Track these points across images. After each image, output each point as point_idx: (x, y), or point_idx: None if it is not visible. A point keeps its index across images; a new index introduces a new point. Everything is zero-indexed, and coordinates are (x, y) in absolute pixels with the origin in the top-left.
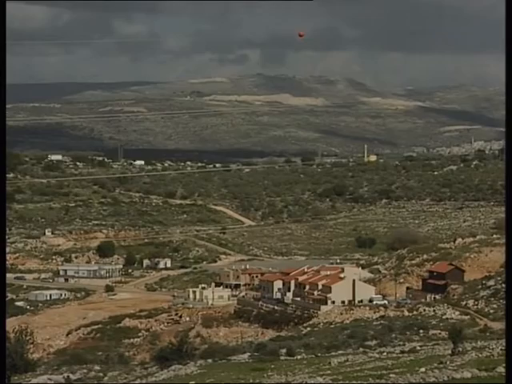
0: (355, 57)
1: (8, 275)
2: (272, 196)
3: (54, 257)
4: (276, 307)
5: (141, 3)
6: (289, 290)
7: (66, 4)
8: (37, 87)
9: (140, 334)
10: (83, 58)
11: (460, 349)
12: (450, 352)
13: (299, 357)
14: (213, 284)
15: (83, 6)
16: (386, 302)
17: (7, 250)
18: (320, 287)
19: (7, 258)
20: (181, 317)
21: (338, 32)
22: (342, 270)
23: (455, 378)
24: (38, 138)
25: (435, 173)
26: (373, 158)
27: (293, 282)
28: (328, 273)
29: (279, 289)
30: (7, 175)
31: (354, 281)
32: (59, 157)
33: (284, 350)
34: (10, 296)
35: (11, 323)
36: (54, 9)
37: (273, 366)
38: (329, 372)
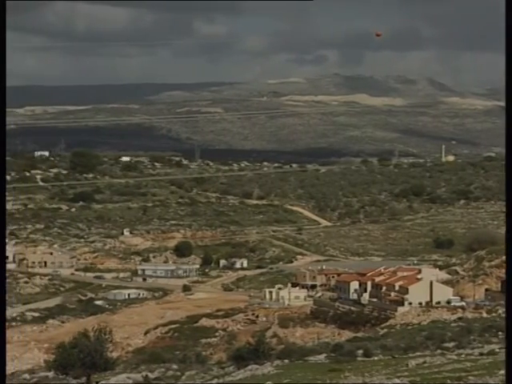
0: (434, 56)
1: (87, 274)
2: (348, 196)
3: (132, 256)
4: (352, 308)
5: (221, 4)
6: (365, 291)
7: (147, 5)
8: (116, 88)
9: (217, 334)
10: (163, 58)
11: None
12: None
13: (376, 358)
14: (289, 284)
15: (164, 8)
16: (464, 303)
17: (86, 249)
18: (397, 288)
19: (86, 257)
20: (257, 317)
21: (417, 31)
22: (420, 271)
23: None
24: (117, 139)
25: None
26: (451, 158)
27: (369, 283)
28: (405, 274)
29: (356, 289)
30: (86, 175)
31: (431, 282)
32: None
33: (361, 351)
34: (89, 295)
35: (90, 322)
36: (136, 10)
37: (349, 367)
38: (406, 374)
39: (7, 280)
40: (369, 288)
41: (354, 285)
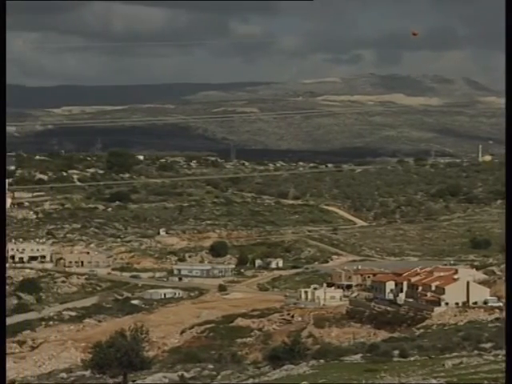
0: (471, 56)
1: (124, 274)
2: (384, 196)
3: (168, 256)
4: (388, 308)
5: (257, 4)
6: (401, 291)
7: (184, 5)
8: (153, 88)
9: (252, 334)
10: (199, 58)
11: None
12: None
13: (412, 358)
14: (324, 284)
15: (200, 8)
16: (501, 303)
17: (123, 249)
18: (433, 288)
19: (123, 257)
20: (293, 317)
21: (453, 31)
22: (456, 272)
23: None
24: (152, 139)
25: None
26: (488, 158)
27: (405, 283)
28: (442, 274)
29: (392, 290)
30: (123, 175)
31: (468, 282)
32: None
33: (397, 352)
34: (125, 294)
35: (127, 321)
36: (173, 10)
37: (385, 367)
38: (443, 374)
39: (45, 279)
40: (405, 288)
41: (390, 285)
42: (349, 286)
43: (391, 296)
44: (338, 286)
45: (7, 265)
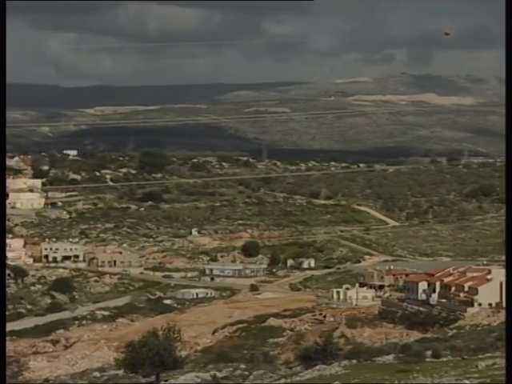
0: (503, 55)
1: (156, 273)
2: (417, 196)
3: (200, 256)
4: (421, 308)
5: (290, 4)
6: (434, 292)
7: (217, 6)
8: (185, 88)
9: (284, 334)
10: (231, 59)
11: None
12: None
13: (445, 359)
14: (357, 284)
15: (233, 8)
16: None
17: (155, 248)
18: (466, 289)
19: (155, 256)
20: (325, 317)
21: (486, 30)
22: (489, 272)
23: None
24: (185, 139)
25: None
26: None
27: (438, 284)
28: (475, 274)
29: (424, 290)
30: (155, 175)
31: (501, 283)
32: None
33: (429, 352)
34: (158, 294)
35: (159, 321)
36: (206, 11)
37: (418, 368)
38: (476, 375)
39: (78, 279)
40: (438, 288)
41: (423, 285)
42: (381, 286)
43: (424, 296)
44: (371, 286)
45: (40, 264)
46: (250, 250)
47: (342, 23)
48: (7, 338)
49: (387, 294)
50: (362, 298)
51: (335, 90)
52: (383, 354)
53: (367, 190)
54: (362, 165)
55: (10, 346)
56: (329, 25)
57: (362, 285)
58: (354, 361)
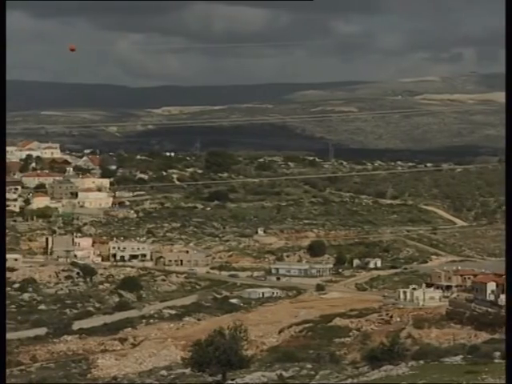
0: None
1: (222, 273)
2: (485, 196)
3: (266, 255)
4: (489, 309)
5: (358, 3)
6: (503, 292)
7: (284, 5)
8: (251, 88)
9: (351, 334)
10: (298, 58)
11: None
12: None
13: None
14: (424, 285)
15: (301, 8)
16: None
17: (221, 248)
18: None
19: (221, 256)
20: (391, 317)
21: None
22: None
23: None
24: (251, 138)
25: None
26: None
27: None
28: None
29: (493, 291)
30: (221, 175)
31: None
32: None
33: (498, 353)
34: (224, 293)
35: (225, 320)
36: (273, 11)
37: (487, 369)
38: None
39: (145, 278)
40: None
41: (491, 286)
42: (448, 287)
43: (492, 297)
44: (438, 287)
45: (108, 263)
46: (315, 250)
47: (410, 21)
48: (76, 336)
49: (455, 295)
50: (429, 298)
51: (402, 89)
52: (451, 355)
53: (434, 189)
54: (429, 164)
55: (79, 344)
56: (396, 23)
57: (428, 285)
58: (422, 361)
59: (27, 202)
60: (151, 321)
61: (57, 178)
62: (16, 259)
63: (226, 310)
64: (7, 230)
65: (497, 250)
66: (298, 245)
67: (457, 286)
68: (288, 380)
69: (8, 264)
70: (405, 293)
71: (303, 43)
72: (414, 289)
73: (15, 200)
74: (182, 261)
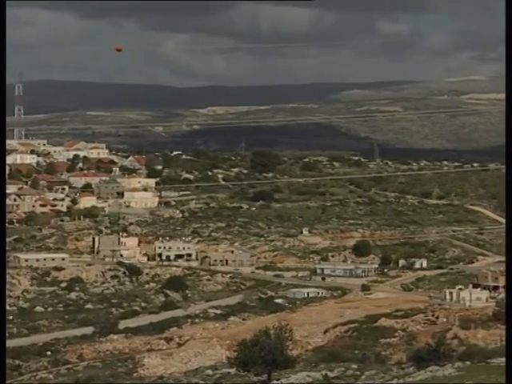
0: None
1: (267, 273)
2: None
3: (310, 255)
4: None
5: (405, 2)
6: None
7: (330, 5)
8: (296, 88)
9: (396, 334)
10: (344, 58)
11: None
12: None
13: None
14: (470, 285)
15: (347, 7)
16: None
17: (266, 248)
18: None
19: (266, 256)
20: (437, 318)
21: None
22: None
23: None
24: (296, 138)
25: None
26: None
27: None
28: None
29: None
30: (266, 175)
31: None
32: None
33: None
34: (269, 293)
35: (270, 319)
36: (319, 10)
37: None
38: None
39: (190, 277)
40: None
41: None
42: (495, 288)
43: None
44: (484, 287)
45: (154, 263)
46: (361, 250)
47: (456, 21)
48: (122, 335)
49: (502, 295)
50: (476, 298)
51: (448, 89)
52: (498, 356)
53: (481, 189)
54: (475, 164)
55: (126, 343)
56: (443, 23)
57: (475, 286)
58: (468, 362)
59: (74, 201)
60: (197, 320)
61: (103, 178)
62: (63, 259)
63: (270, 309)
64: (54, 230)
65: None
66: (343, 245)
67: (504, 287)
68: (333, 380)
69: (55, 263)
70: (451, 293)
71: (349, 43)
72: (461, 289)
73: (62, 200)
74: (227, 261)
